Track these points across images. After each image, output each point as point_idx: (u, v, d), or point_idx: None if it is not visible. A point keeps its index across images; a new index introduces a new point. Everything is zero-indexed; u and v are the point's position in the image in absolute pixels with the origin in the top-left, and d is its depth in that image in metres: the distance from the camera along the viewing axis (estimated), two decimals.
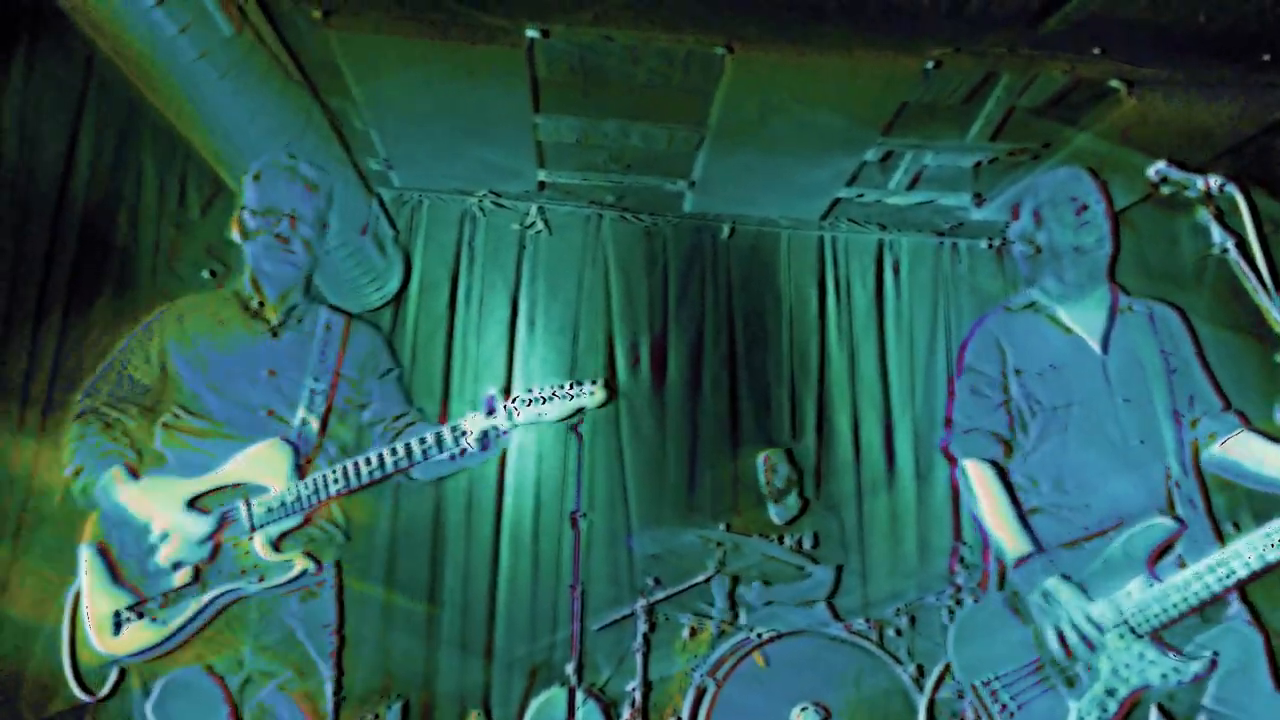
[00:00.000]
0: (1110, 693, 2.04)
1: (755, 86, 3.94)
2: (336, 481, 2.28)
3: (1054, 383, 2.32)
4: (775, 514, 4.58)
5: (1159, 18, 3.61)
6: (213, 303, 2.55)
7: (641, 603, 3.71)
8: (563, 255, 5.17)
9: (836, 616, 4.23)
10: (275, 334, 2.48)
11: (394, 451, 2.29)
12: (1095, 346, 2.33)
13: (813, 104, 4.05)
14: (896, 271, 5.44)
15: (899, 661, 3.47)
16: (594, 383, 2.32)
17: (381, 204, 4.73)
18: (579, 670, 3.73)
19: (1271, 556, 1.95)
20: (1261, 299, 1.97)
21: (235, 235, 2.51)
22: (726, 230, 5.33)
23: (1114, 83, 3.95)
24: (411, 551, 4.67)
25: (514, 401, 2.29)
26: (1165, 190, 2.08)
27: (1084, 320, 2.37)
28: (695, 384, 5.13)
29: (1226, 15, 3.59)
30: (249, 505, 2.27)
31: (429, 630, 4.57)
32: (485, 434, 2.27)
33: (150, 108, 3.42)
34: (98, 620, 2.22)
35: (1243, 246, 1.85)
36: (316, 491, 2.28)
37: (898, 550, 5.03)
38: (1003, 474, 2.33)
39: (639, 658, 3.63)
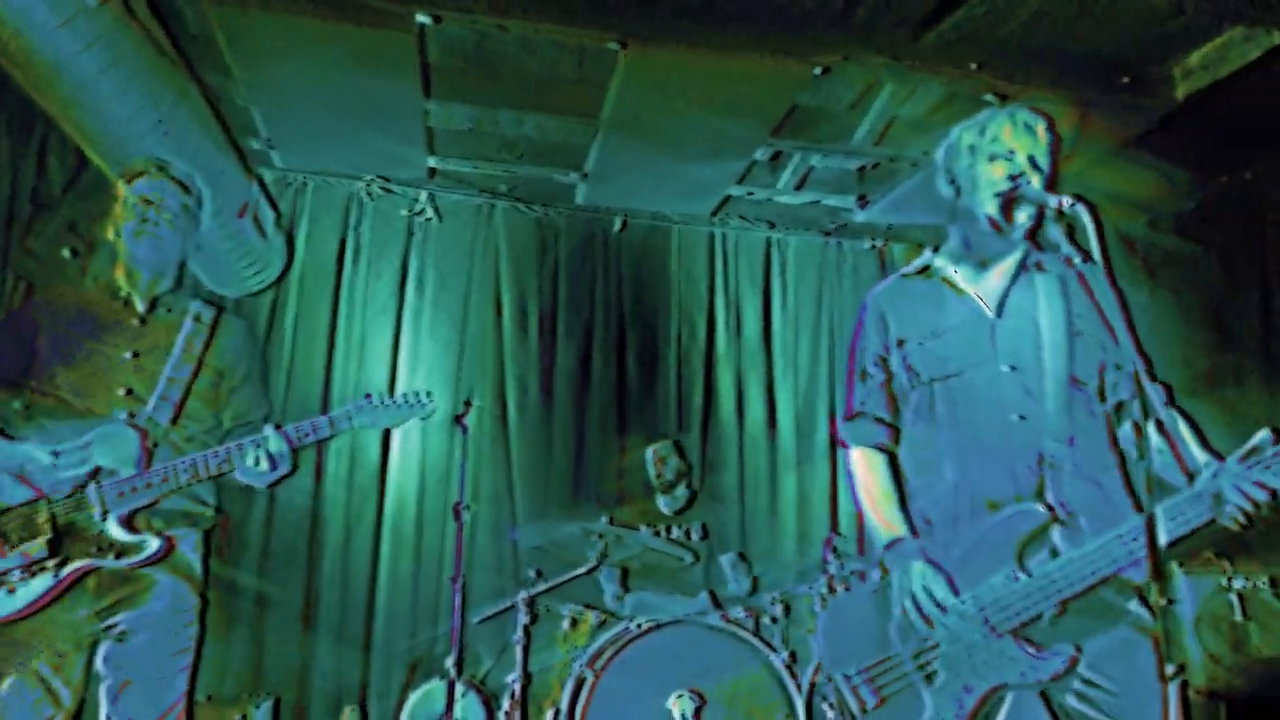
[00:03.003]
0: (967, 689, 2.01)
1: (648, 83, 3.97)
2: (185, 472, 2.49)
3: (936, 353, 2.19)
4: (664, 505, 4.64)
5: (1031, 39, 3.80)
6: (84, 290, 2.74)
7: (523, 594, 3.71)
8: (453, 244, 5.09)
9: (718, 605, 4.33)
10: (143, 320, 2.67)
11: (240, 447, 2.54)
12: (989, 310, 2.18)
13: (704, 103, 4.11)
14: (784, 270, 5.58)
15: (773, 649, 3.58)
16: (429, 395, 2.82)
17: (262, 185, 4.57)
18: (459, 663, 3.72)
19: (1140, 551, 1.88)
20: (1107, 308, 2.07)
21: (110, 234, 2.73)
22: (618, 223, 5.35)
23: (988, 97, 4.13)
24: (287, 539, 4.53)
25: (338, 414, 2.67)
26: (1023, 206, 2.17)
27: (985, 279, 2.21)
28: (584, 376, 5.15)
29: (1090, 40, 3.82)
30: (100, 486, 2.44)
31: (305, 622, 4.46)
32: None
33: (6, 77, 3.21)
34: None
35: (1089, 260, 1.89)
36: (166, 480, 2.47)
37: (778, 541, 5.17)
38: (891, 459, 2.25)
39: (519, 649, 3.64)
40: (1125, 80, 4.10)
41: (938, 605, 2.02)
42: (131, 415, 2.53)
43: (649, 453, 4.68)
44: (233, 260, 4.37)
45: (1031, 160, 2.14)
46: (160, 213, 2.66)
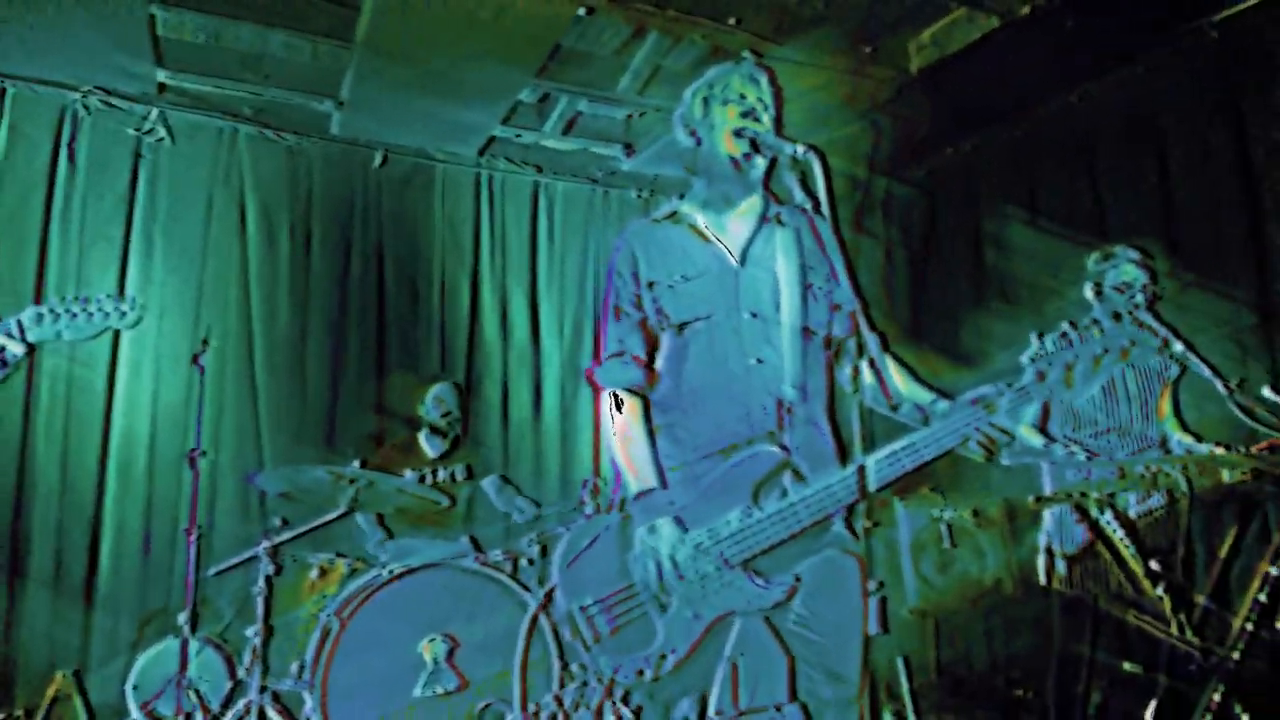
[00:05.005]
0: (696, 617, 2.09)
1: (406, 6, 3.77)
2: None
3: (684, 296, 2.24)
4: (431, 448, 4.52)
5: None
6: None
7: (265, 544, 3.51)
8: (189, 169, 4.65)
9: (479, 549, 4.30)
10: None
11: None
12: (733, 258, 2.25)
13: (465, 34, 3.96)
14: (551, 215, 5.55)
15: (528, 589, 3.60)
16: (133, 302, 2.23)
17: None
18: (193, 619, 3.49)
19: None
20: (832, 253, 2.21)
21: None
22: (378, 158, 5.10)
23: (745, 54, 4.27)
24: None
25: (24, 318, 2.14)
26: (763, 153, 2.25)
27: (727, 229, 2.28)
28: (341, 314, 4.90)
29: (838, 8, 4.04)
30: None
31: (12, 573, 4.00)
32: None
33: None
34: None
35: (818, 207, 1.97)
36: None
37: (541, 483, 5.21)
38: (645, 403, 2.27)
39: (260, 602, 3.44)
40: (867, 50, 4.38)
41: (678, 569, 2.09)
42: None
43: (429, 394, 4.52)
44: None
45: (760, 102, 2.27)
46: None
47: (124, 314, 2.22)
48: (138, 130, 4.54)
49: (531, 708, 3.34)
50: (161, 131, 4.56)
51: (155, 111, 4.54)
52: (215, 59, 4.22)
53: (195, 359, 3.67)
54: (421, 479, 3.99)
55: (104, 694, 3.86)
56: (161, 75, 4.31)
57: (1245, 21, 3.74)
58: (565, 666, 3.50)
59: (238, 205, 4.74)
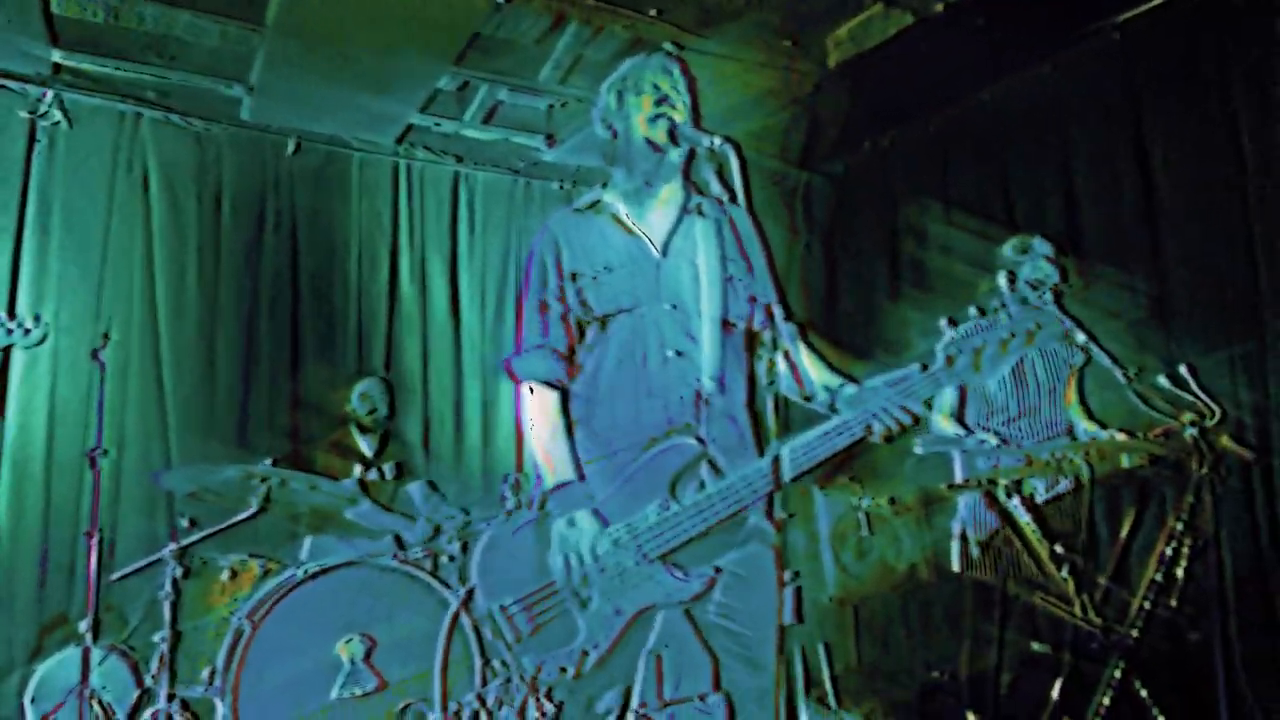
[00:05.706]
0: (618, 612, 2.09)
1: None
2: None
3: (607, 288, 2.23)
4: (366, 446, 4.41)
5: None
6: None
7: (172, 546, 3.38)
8: (89, 155, 4.44)
9: (402, 546, 4.21)
10: None
11: None
12: (655, 250, 2.25)
13: (380, 18, 3.88)
14: (472, 206, 5.46)
15: (449, 587, 3.54)
16: (38, 320, 2.22)
17: None
18: (95, 626, 3.35)
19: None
20: (749, 244, 2.21)
21: None
22: (291, 145, 4.94)
23: (667, 45, 4.26)
24: None
25: None
26: (680, 144, 2.25)
27: (649, 220, 2.28)
28: (251, 306, 4.75)
29: (759, 1, 4.06)
30: None
31: None
32: None
33: None
34: None
35: (735, 199, 2.00)
36: None
37: (463, 480, 5.13)
38: (564, 396, 2.26)
39: (167, 606, 3.32)
40: (788, 44, 4.42)
41: (597, 562, 2.08)
42: None
43: (355, 390, 4.40)
44: None
45: (674, 90, 2.27)
46: None
47: (27, 332, 2.20)
48: (32, 113, 4.32)
49: (454, 706, 3.28)
50: (57, 115, 4.34)
51: (49, 93, 4.32)
52: (115, 39, 4.05)
53: (95, 354, 3.53)
54: (364, 492, 3.93)
55: (0, 708, 3.69)
56: (57, 55, 4.11)
57: (1145, 23, 3.88)
58: (487, 664, 3.46)
59: (141, 192, 4.55)
